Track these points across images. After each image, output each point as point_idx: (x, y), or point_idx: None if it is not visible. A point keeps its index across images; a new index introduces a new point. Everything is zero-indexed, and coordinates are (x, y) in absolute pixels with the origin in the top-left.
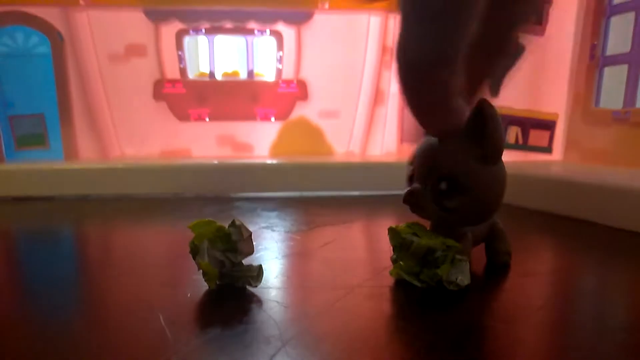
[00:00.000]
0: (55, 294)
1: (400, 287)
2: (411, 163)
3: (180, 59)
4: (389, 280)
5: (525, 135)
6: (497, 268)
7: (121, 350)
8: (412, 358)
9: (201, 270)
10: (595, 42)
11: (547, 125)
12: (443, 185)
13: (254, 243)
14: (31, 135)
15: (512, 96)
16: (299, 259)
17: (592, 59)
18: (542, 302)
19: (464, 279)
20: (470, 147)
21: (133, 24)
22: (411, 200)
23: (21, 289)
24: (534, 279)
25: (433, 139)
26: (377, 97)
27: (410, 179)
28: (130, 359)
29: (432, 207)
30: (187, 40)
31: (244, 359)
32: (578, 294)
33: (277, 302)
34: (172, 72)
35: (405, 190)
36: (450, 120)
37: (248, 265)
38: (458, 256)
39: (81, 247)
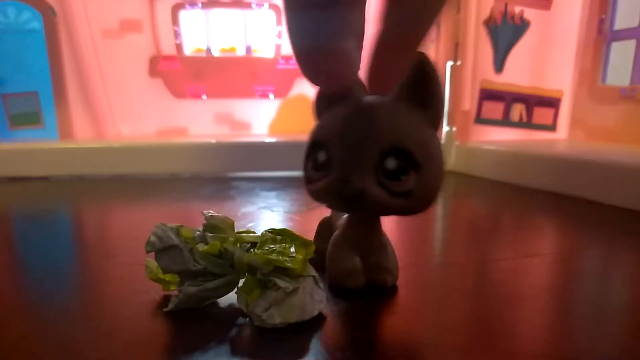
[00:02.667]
0: (51, 275)
1: (404, 269)
2: (321, 144)
3: (176, 34)
4: None
5: (529, 113)
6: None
7: (118, 332)
8: (415, 338)
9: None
10: (603, 16)
11: (552, 103)
12: (391, 163)
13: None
14: (25, 114)
15: (515, 72)
16: None
17: (600, 33)
18: (546, 283)
19: (276, 314)
20: (411, 112)
21: None
22: (356, 197)
23: (16, 270)
24: (537, 260)
25: (360, 102)
26: None
27: (321, 167)
28: (127, 340)
29: (380, 191)
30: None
31: (244, 345)
32: (583, 275)
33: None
34: (167, 48)
35: (323, 183)
36: (344, 67)
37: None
38: (280, 282)
39: (77, 228)
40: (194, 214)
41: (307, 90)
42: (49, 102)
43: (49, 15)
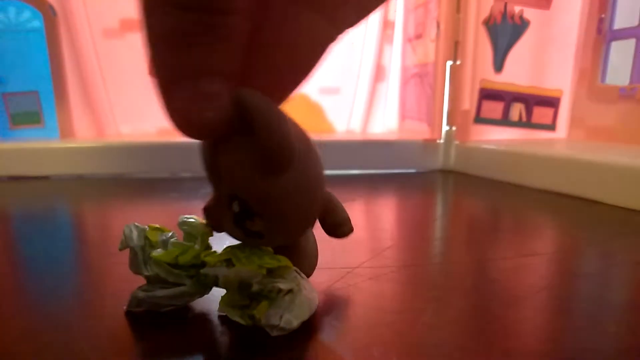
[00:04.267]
0: (51, 274)
1: (403, 269)
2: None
3: None
4: (391, 261)
5: (528, 112)
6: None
7: (118, 331)
8: (414, 338)
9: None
10: (603, 15)
11: (551, 102)
12: (235, 207)
13: None
14: (26, 113)
15: (515, 72)
16: None
17: (599, 33)
18: (545, 283)
19: (291, 318)
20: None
21: None
22: (209, 219)
23: (16, 269)
24: (536, 259)
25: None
26: (378, 73)
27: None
28: (127, 339)
29: (235, 229)
30: None
31: (245, 340)
32: (582, 274)
33: None
34: None
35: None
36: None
37: None
38: (282, 285)
39: (77, 227)
40: (194, 214)
41: (306, 89)
42: (50, 101)
43: (49, 15)
